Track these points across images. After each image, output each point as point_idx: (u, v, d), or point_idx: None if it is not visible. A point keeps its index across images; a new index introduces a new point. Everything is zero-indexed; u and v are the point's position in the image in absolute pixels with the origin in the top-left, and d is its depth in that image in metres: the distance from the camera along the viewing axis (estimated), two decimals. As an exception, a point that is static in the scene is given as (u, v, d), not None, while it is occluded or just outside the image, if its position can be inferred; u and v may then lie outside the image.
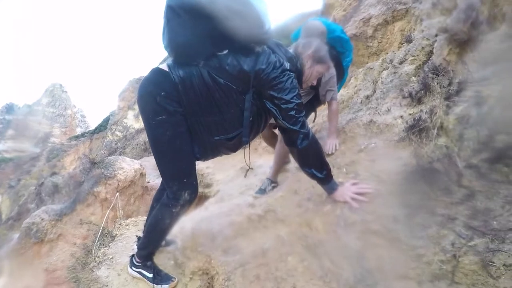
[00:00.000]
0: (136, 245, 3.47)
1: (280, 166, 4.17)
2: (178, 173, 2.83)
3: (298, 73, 2.88)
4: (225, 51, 2.67)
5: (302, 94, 3.34)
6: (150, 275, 3.20)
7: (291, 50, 3.02)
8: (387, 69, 5.07)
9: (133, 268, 3.31)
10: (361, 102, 4.89)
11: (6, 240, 10.21)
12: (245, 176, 3.88)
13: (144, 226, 3.37)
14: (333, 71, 3.81)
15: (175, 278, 3.19)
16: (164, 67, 2.73)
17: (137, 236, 3.59)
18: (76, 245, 6.89)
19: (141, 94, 2.77)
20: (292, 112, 2.68)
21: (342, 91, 5.80)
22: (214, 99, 2.66)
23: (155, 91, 2.67)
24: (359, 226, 2.59)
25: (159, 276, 3.19)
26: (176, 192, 2.84)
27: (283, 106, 2.67)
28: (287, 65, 2.71)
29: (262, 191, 3.98)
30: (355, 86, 5.46)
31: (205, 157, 2.93)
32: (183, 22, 2.54)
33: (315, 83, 3.23)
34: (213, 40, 2.59)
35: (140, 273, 3.26)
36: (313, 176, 2.89)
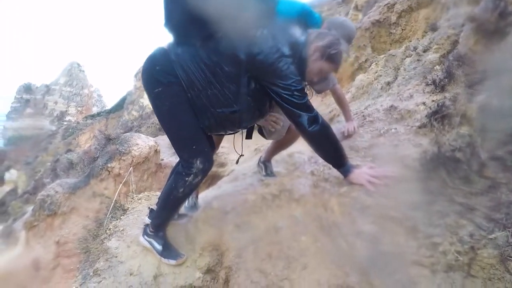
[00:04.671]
0: (148, 217, 3.48)
1: (276, 152, 4.11)
2: (185, 141, 2.86)
3: (301, 61, 2.74)
4: (221, 34, 2.65)
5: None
6: (159, 247, 3.20)
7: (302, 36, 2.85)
8: (410, 57, 4.99)
9: (145, 236, 3.30)
10: (381, 88, 4.83)
11: (21, 213, 10.43)
12: (237, 162, 3.83)
13: (159, 198, 3.35)
14: None
15: (184, 255, 3.18)
16: (165, 45, 2.81)
17: (149, 208, 3.58)
18: (89, 218, 7.02)
19: (142, 71, 2.86)
20: (293, 98, 2.62)
21: (361, 76, 5.74)
22: (213, 76, 2.68)
23: (150, 66, 2.79)
24: (376, 210, 2.54)
25: (168, 250, 3.19)
26: (188, 160, 2.85)
27: (282, 92, 2.62)
28: (286, 50, 2.62)
29: (269, 175, 3.91)
30: (376, 72, 5.38)
31: (209, 129, 2.92)
32: (180, 3, 2.60)
33: (315, 79, 2.94)
34: (210, 22, 2.57)
35: (150, 243, 3.26)
36: (327, 160, 2.87)
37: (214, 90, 2.70)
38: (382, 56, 5.87)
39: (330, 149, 2.80)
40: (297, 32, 2.77)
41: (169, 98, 2.76)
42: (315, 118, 2.68)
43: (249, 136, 3.50)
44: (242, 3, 2.53)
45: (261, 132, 3.70)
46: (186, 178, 2.86)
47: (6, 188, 44.89)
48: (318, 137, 2.74)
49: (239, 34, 2.58)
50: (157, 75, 2.74)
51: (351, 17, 10.76)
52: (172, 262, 3.15)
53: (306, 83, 3.64)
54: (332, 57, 2.76)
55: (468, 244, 2.07)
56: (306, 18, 3.38)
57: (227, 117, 2.80)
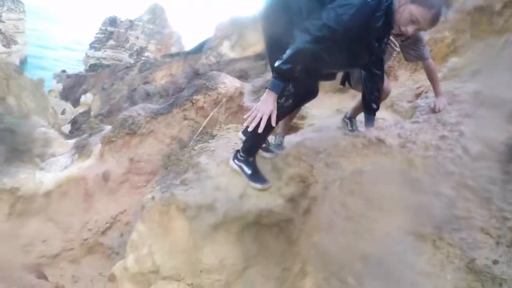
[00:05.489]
0: (241, 132, 3.73)
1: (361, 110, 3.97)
2: None
3: (389, 10, 2.70)
4: None
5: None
6: (249, 172, 3.46)
7: None
8: (508, 49, 4.99)
9: (236, 161, 3.55)
10: (472, 74, 4.87)
11: (98, 129, 11.11)
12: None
13: None
14: None
15: (271, 183, 3.45)
16: None
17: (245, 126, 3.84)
18: (165, 143, 7.50)
19: None
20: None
21: (456, 59, 5.76)
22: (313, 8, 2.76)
23: None
24: (457, 177, 2.77)
25: (256, 175, 3.45)
26: None
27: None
28: None
29: (355, 130, 4.01)
30: (470, 58, 5.42)
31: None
32: None
33: (409, 31, 2.74)
34: None
35: (240, 167, 3.51)
36: None
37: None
38: (480, 44, 5.86)
39: None
40: None
41: (274, 25, 2.99)
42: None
43: (342, 83, 3.76)
44: None
45: (348, 81, 3.90)
46: (278, 100, 2.93)
47: (80, 109, 47.36)
48: None
49: None
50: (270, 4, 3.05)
51: (452, -2, 10.52)
52: (259, 186, 3.43)
53: (399, 49, 3.76)
54: (421, 2, 2.61)
55: (536, 226, 2.29)
56: None
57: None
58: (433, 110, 3.76)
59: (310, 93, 3.19)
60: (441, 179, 2.81)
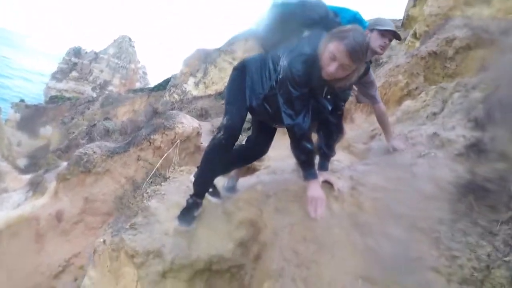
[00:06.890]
0: (191, 179, 3.77)
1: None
2: (226, 104, 3.39)
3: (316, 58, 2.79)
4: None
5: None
6: (183, 210, 3.48)
7: None
8: (459, 92, 5.11)
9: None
10: (426, 117, 4.96)
11: (54, 165, 10.76)
12: None
13: None
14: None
15: (192, 228, 3.45)
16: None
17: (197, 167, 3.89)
18: (120, 183, 7.30)
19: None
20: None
21: (409, 102, 5.87)
22: (269, 71, 3.18)
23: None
24: (407, 219, 2.77)
25: (184, 215, 3.45)
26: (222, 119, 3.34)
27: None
28: (306, 49, 2.84)
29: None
30: (424, 101, 5.51)
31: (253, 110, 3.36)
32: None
33: (331, 69, 2.69)
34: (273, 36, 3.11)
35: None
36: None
37: (266, 79, 3.18)
38: (433, 87, 5.97)
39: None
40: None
41: (232, 76, 3.47)
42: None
43: None
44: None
45: None
46: (214, 133, 3.32)
47: (39, 142, 46.33)
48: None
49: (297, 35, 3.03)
50: (237, 64, 3.52)
51: (408, 43, 10.88)
52: (176, 224, 3.44)
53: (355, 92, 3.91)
54: (335, 36, 2.67)
55: (485, 262, 2.32)
56: None
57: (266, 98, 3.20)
58: (389, 152, 3.85)
59: (237, 127, 3.29)
60: (393, 222, 2.81)
